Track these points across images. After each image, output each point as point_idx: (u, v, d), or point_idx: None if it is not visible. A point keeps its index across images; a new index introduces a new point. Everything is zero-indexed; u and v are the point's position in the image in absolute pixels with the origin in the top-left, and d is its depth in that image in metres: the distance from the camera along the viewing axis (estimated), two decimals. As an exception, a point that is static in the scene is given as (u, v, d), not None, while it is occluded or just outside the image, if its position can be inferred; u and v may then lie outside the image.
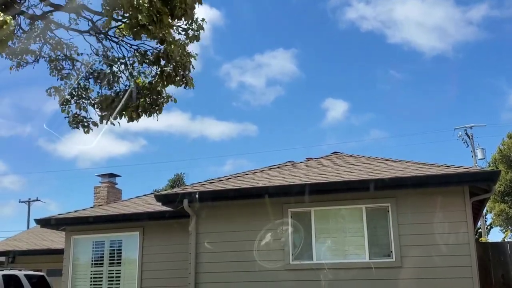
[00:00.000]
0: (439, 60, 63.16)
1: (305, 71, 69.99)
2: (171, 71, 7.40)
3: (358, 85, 67.98)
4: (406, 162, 12.64)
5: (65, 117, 7.85)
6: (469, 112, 64.36)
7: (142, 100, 7.62)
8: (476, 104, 63.83)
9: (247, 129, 73.97)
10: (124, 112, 7.54)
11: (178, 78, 7.52)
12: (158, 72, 7.53)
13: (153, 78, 7.78)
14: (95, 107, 7.84)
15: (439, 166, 11.52)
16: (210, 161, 78.70)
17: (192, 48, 7.68)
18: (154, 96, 7.66)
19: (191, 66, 7.61)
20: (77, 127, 7.88)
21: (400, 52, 62.28)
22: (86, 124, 7.88)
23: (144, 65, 7.75)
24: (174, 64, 7.37)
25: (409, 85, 64.03)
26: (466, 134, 35.66)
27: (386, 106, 67.85)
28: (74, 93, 7.90)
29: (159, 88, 7.69)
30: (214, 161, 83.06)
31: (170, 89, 7.82)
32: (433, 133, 69.33)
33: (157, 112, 7.75)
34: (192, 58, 7.67)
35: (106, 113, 7.69)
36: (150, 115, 7.71)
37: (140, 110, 7.62)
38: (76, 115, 7.89)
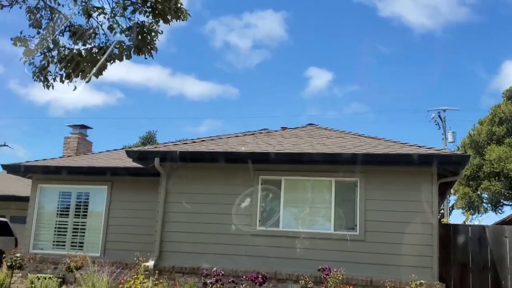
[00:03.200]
0: (427, 38, 63.15)
1: (293, 36, 69.29)
2: (164, 5, 7.18)
3: (344, 56, 67.84)
4: (379, 139, 12.77)
5: (32, 70, 7.54)
6: (449, 95, 64.82)
7: (130, 43, 7.36)
8: (457, 88, 64.30)
9: (228, 92, 73.33)
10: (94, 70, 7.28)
11: (171, 12, 7.31)
12: (150, 9, 7.28)
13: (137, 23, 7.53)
14: (61, 63, 7.56)
15: (411, 145, 11.69)
16: (187, 121, 78.01)
17: None
18: (145, 34, 7.40)
19: None
20: (40, 81, 7.59)
21: (389, 27, 62.08)
22: (52, 78, 7.59)
23: (128, 13, 7.48)
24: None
25: (395, 61, 64.04)
26: (439, 116, 36.16)
27: (370, 80, 67.90)
28: (44, 44, 7.60)
29: (152, 27, 7.46)
30: (190, 121, 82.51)
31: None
32: (411, 112, 70.16)
33: (150, 50, 7.49)
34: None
35: (70, 71, 7.42)
36: (142, 53, 7.45)
37: (132, 51, 7.36)
38: (43, 68, 7.59)
